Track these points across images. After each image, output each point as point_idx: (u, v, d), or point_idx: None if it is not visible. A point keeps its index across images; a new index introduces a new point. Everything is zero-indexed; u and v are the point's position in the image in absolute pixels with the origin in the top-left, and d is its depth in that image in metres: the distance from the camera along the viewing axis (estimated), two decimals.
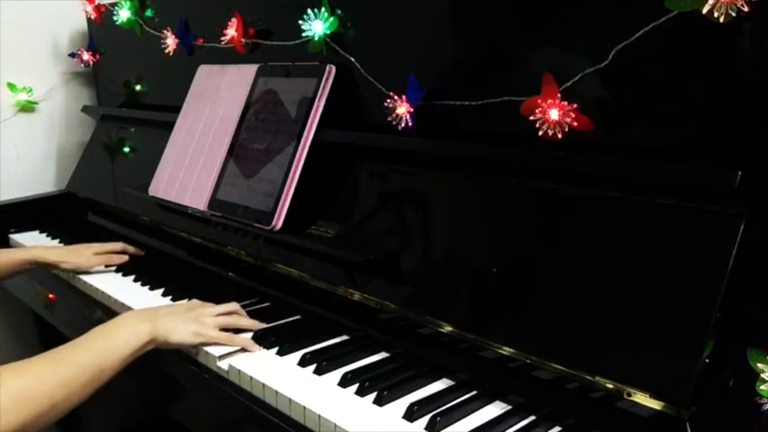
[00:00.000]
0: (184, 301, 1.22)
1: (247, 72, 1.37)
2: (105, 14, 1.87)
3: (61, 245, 1.65)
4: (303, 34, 1.23)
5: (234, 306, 1.14)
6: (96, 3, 1.89)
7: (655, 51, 0.81)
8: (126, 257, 1.47)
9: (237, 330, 1.10)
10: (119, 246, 1.50)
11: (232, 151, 1.34)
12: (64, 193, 1.93)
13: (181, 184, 1.44)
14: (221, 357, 1.03)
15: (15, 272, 1.44)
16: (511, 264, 0.91)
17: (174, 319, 1.04)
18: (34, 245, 1.64)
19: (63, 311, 1.49)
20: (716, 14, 0.73)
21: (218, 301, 1.17)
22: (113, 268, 1.45)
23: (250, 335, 1.09)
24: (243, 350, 1.05)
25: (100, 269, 1.45)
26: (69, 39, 2.03)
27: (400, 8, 1.11)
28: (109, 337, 0.97)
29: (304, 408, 0.89)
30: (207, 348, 1.06)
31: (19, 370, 0.85)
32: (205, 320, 1.07)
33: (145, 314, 1.04)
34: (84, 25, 2.00)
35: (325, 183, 1.19)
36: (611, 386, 0.78)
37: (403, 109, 1.07)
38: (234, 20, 1.41)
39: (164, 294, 1.30)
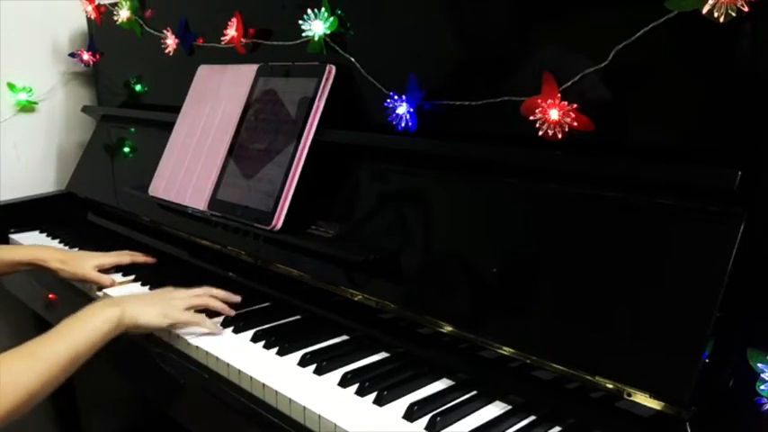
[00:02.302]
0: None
1: (247, 72, 1.37)
2: (105, 14, 1.87)
3: (65, 247, 1.63)
4: (303, 34, 1.23)
5: (206, 289, 1.17)
6: (96, 3, 1.89)
7: (655, 51, 0.81)
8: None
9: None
10: (125, 258, 1.43)
11: (232, 151, 1.34)
12: (64, 193, 1.93)
13: (181, 185, 1.44)
14: (223, 356, 1.04)
15: (14, 270, 1.43)
16: (511, 264, 0.91)
17: (141, 303, 1.08)
18: (35, 244, 1.62)
19: (63, 312, 1.48)
20: (716, 14, 0.73)
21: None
22: (113, 269, 1.44)
23: (221, 318, 1.15)
24: (243, 351, 1.06)
25: None
26: (69, 39, 2.02)
27: (400, 8, 1.11)
28: (80, 326, 1.00)
29: (304, 408, 0.89)
30: (208, 348, 1.06)
31: None
32: (174, 302, 1.11)
33: (113, 300, 1.10)
34: (84, 25, 2.00)
35: (325, 183, 1.19)
36: (611, 386, 0.78)
37: (403, 109, 1.07)
38: (234, 20, 1.41)
39: None
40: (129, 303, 1.07)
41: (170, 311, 1.09)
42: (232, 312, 1.16)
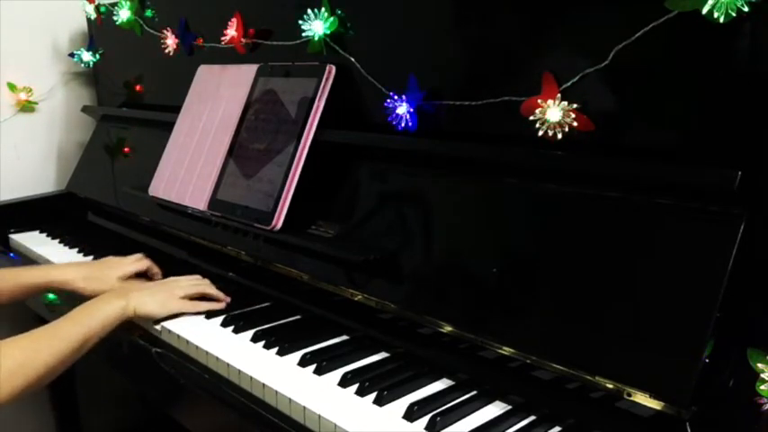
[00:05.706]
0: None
1: (247, 72, 1.37)
2: (105, 14, 1.87)
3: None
4: (303, 34, 1.23)
5: (198, 278, 1.26)
6: (96, 3, 1.89)
7: (655, 51, 0.81)
8: None
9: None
10: (144, 264, 1.36)
11: (232, 151, 1.34)
12: (64, 193, 1.93)
13: (181, 184, 1.44)
14: (223, 356, 1.03)
15: (32, 294, 1.34)
16: (511, 264, 0.91)
17: (142, 294, 1.18)
18: (50, 263, 1.52)
19: (64, 313, 1.48)
20: (716, 14, 0.73)
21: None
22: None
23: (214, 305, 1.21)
24: (243, 351, 1.05)
25: None
26: (69, 39, 2.02)
27: (400, 8, 1.11)
28: (92, 312, 1.12)
29: (304, 408, 0.89)
30: (208, 348, 1.06)
31: (18, 343, 1.01)
32: (172, 292, 1.20)
33: (120, 292, 1.20)
34: (84, 25, 2.00)
35: (325, 183, 1.19)
36: (611, 386, 0.78)
37: (403, 109, 1.07)
38: (234, 20, 1.41)
39: None
40: (134, 295, 1.17)
41: (168, 302, 1.18)
42: (223, 305, 1.21)
